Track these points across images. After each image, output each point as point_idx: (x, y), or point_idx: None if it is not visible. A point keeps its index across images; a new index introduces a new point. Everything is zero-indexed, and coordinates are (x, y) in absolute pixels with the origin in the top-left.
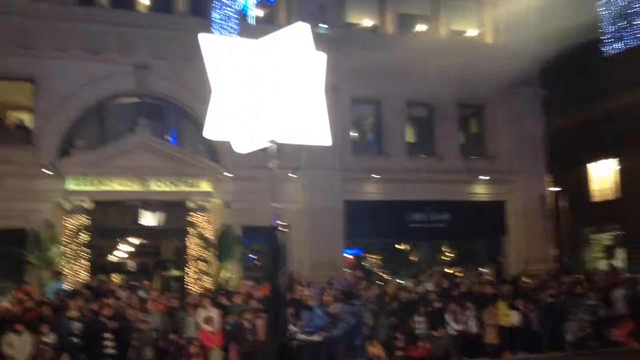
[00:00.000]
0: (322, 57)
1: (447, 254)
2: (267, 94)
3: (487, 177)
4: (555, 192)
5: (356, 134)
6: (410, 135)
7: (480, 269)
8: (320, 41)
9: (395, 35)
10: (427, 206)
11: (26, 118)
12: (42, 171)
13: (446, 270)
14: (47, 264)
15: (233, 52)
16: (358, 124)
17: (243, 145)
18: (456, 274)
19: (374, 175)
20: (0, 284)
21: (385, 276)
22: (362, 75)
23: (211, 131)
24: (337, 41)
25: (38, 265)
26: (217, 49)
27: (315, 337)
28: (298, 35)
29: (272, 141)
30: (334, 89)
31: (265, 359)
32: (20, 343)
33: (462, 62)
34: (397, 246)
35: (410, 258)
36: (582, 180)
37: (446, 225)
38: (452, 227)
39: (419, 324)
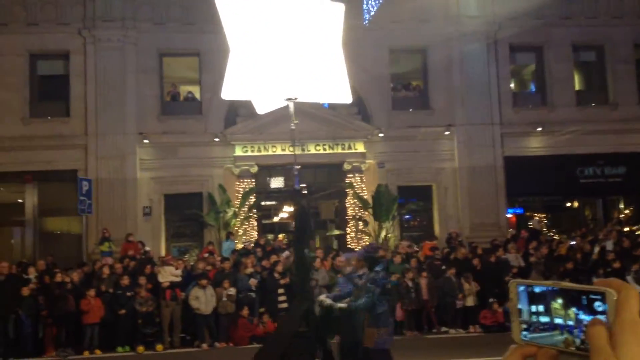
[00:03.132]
0: (339, 9)
1: (624, 211)
2: (284, 49)
3: None
4: None
5: (516, 85)
6: (578, 83)
7: None
8: None
9: None
10: (600, 159)
11: (195, 91)
12: (213, 139)
13: (625, 228)
14: (223, 224)
15: (249, 7)
16: (518, 74)
17: (263, 105)
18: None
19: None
20: (185, 243)
21: (554, 236)
22: (521, 20)
23: (230, 91)
24: None
25: (215, 226)
26: (234, 3)
27: (341, 304)
28: None
29: (290, 99)
30: (488, 38)
31: (291, 323)
32: (205, 297)
33: None
34: (565, 204)
35: (582, 217)
36: None
37: (623, 180)
38: (629, 181)
39: None
